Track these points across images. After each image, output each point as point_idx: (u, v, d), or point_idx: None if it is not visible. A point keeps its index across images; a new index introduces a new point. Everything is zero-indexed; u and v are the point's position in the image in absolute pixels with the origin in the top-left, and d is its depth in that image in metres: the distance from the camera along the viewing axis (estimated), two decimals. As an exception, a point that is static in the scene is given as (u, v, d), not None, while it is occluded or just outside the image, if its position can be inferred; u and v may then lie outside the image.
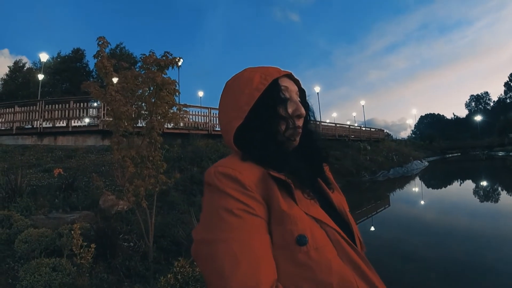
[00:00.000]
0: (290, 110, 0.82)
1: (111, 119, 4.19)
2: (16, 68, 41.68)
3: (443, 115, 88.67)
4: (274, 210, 0.70)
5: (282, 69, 0.87)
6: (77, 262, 3.27)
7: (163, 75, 4.08)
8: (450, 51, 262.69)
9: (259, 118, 0.80)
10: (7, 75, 41.22)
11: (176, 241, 4.73)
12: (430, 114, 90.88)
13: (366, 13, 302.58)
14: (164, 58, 3.69)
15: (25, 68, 41.86)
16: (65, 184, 6.59)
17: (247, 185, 0.70)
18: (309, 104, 0.95)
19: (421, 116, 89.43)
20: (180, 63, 3.94)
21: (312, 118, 0.94)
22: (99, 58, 3.69)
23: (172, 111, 4.51)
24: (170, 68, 3.97)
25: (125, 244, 4.57)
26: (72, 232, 3.43)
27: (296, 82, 0.90)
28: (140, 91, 4.18)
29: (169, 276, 2.98)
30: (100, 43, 3.64)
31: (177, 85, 4.32)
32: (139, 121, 4.54)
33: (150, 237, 4.22)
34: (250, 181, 0.71)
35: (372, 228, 8.12)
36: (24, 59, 46.07)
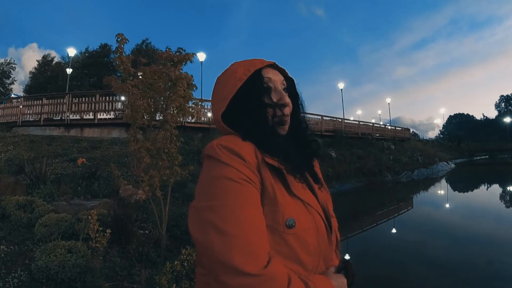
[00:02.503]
0: (274, 99, 0.87)
1: (129, 112, 4.41)
2: (45, 62, 43.12)
3: (472, 116, 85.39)
4: (267, 193, 0.75)
5: (266, 60, 0.91)
6: (92, 246, 3.47)
7: (181, 70, 4.27)
8: (480, 49, 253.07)
9: (245, 106, 0.85)
10: (35, 68, 42.81)
11: (189, 231, 4.90)
12: (459, 114, 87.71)
13: (394, 8, 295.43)
14: (177, 54, 3.84)
15: (53, 62, 43.30)
16: (88, 173, 6.93)
17: (247, 160, 0.75)
18: (299, 93, 0.99)
19: (450, 116, 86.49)
20: (193, 58, 4.08)
21: (301, 108, 0.98)
22: (118, 54, 3.89)
23: (188, 105, 4.69)
24: (186, 63, 4.16)
25: (141, 231, 4.78)
26: (89, 217, 3.63)
27: (282, 72, 0.94)
28: (156, 85, 4.36)
29: (175, 262, 3.13)
30: (119, 40, 3.85)
31: (193, 80, 4.48)
32: (157, 114, 4.74)
33: (163, 225, 4.42)
34: (249, 157, 0.76)
35: (394, 230, 8.06)
36: (53, 53, 47.81)
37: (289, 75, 0.97)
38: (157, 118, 4.71)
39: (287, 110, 0.88)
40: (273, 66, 0.92)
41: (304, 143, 0.95)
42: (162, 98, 4.45)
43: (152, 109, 4.48)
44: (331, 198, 0.99)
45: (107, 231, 3.62)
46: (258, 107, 0.85)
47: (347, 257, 6.07)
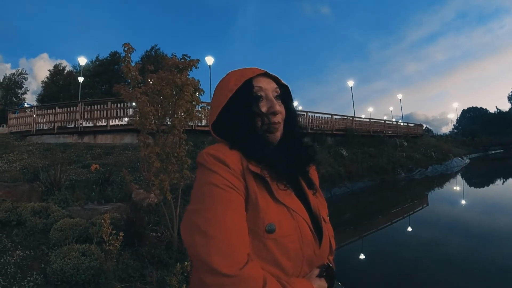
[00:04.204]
0: (264, 108, 0.89)
1: (138, 118, 4.53)
2: (57, 72, 44.35)
3: (485, 109, 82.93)
4: (250, 198, 0.78)
5: (259, 69, 0.93)
6: (105, 249, 3.58)
7: (187, 75, 4.38)
8: (490, 41, 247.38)
9: (235, 115, 0.88)
10: (47, 78, 44.02)
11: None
12: (472, 107, 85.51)
13: (401, 2, 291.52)
14: (183, 60, 3.95)
15: (65, 72, 44.44)
16: (102, 178, 7.10)
17: (231, 167, 0.79)
18: (292, 99, 1.01)
19: (463, 110, 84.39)
20: (198, 64, 4.17)
21: (293, 115, 0.99)
22: (125, 63, 4.02)
23: (196, 109, 4.80)
24: (191, 69, 4.26)
25: (153, 234, 4.89)
26: (103, 221, 3.74)
27: (276, 79, 0.96)
28: (164, 91, 4.48)
29: (185, 263, 3.22)
30: (125, 49, 3.97)
31: (200, 85, 4.58)
32: (166, 119, 4.86)
33: (174, 228, 4.53)
34: (234, 165, 0.80)
35: (409, 229, 8.02)
36: (64, 63, 49.02)
37: (283, 82, 0.98)
38: (166, 123, 4.84)
39: (278, 118, 0.90)
40: (265, 74, 0.94)
41: (298, 150, 0.97)
42: (170, 103, 4.57)
43: (160, 115, 4.61)
44: (326, 204, 1.01)
45: (120, 234, 3.72)
46: (246, 116, 0.88)
47: (362, 256, 6.09)
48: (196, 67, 4.09)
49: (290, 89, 1.01)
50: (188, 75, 4.36)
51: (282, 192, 0.82)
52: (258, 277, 0.69)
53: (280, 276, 0.75)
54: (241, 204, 0.77)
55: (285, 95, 0.97)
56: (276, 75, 0.96)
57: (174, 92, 4.31)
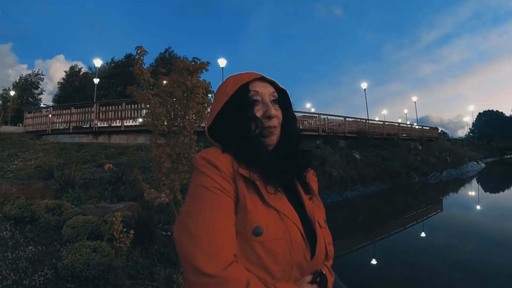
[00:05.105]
0: (260, 112, 0.91)
1: (150, 119, 4.63)
2: (72, 73, 45.66)
3: (501, 112, 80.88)
4: (240, 201, 0.80)
5: (256, 74, 0.95)
6: (116, 246, 3.68)
7: (198, 78, 4.45)
8: (506, 42, 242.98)
9: (229, 119, 0.90)
10: (63, 79, 45.32)
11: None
12: (488, 111, 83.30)
13: (415, 3, 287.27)
14: (193, 63, 4.03)
15: (81, 73, 45.60)
16: (115, 177, 7.27)
17: (222, 170, 0.82)
18: (291, 104, 1.02)
19: (479, 113, 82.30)
20: (208, 66, 4.25)
21: (291, 119, 1.00)
22: (138, 65, 4.11)
23: (207, 111, 4.86)
24: (202, 72, 4.34)
25: (163, 232, 4.98)
26: (114, 219, 3.84)
27: (273, 84, 0.97)
28: (176, 93, 4.57)
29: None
30: (138, 52, 4.07)
31: (211, 87, 4.65)
32: (178, 120, 4.94)
33: (184, 227, 4.59)
34: (225, 168, 0.82)
35: (423, 234, 7.89)
36: (80, 65, 50.31)
37: (281, 86, 0.99)
38: (177, 125, 4.92)
39: (273, 122, 0.91)
40: (262, 79, 0.95)
41: (294, 154, 0.97)
42: (180, 105, 4.65)
43: (171, 116, 4.69)
44: (323, 209, 1.01)
45: (130, 232, 3.81)
46: (239, 120, 0.90)
47: (374, 261, 6.04)
48: (206, 70, 4.16)
49: (288, 93, 1.02)
50: (199, 77, 4.44)
51: (272, 195, 0.83)
52: (241, 279, 0.70)
53: (267, 279, 0.76)
54: (230, 207, 0.79)
55: (283, 100, 0.99)
56: (273, 80, 0.98)
57: (185, 94, 4.39)
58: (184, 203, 0.82)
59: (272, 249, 0.77)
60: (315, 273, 0.86)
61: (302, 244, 0.82)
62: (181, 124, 4.57)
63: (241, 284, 0.69)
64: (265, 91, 0.93)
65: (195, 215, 0.76)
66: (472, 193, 14.64)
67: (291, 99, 1.03)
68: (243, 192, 0.81)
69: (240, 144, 0.87)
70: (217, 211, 0.76)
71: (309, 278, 0.84)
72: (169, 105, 4.58)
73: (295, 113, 1.06)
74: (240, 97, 0.91)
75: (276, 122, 0.92)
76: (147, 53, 4.10)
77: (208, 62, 4.10)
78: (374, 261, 6.00)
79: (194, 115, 4.62)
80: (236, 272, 0.70)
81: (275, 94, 0.95)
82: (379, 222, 9.46)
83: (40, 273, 3.41)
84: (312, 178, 1.04)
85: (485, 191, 15.43)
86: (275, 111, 0.92)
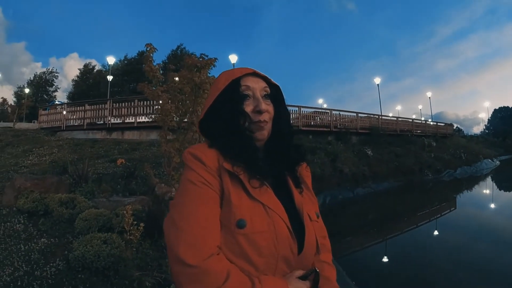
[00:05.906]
0: (250, 106, 0.91)
1: (159, 115, 4.72)
2: (86, 70, 46.52)
3: (517, 109, 78.76)
4: (225, 195, 0.82)
5: (248, 69, 0.95)
6: (126, 238, 3.78)
7: (207, 74, 4.51)
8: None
9: (219, 114, 0.92)
10: (78, 76, 46.21)
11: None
12: (504, 107, 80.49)
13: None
14: (201, 59, 4.09)
15: (94, 70, 46.44)
16: (127, 172, 7.42)
17: (207, 165, 0.84)
18: (284, 99, 1.02)
19: (495, 110, 79.65)
20: (215, 62, 4.31)
21: (283, 114, 1.00)
22: (147, 62, 4.20)
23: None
24: (210, 68, 4.40)
25: (173, 226, 5.06)
26: (125, 212, 3.93)
27: (266, 79, 0.97)
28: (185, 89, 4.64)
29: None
30: (148, 49, 4.16)
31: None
32: (187, 116, 5.01)
33: (193, 221, 4.66)
34: (211, 163, 0.84)
35: (436, 232, 7.82)
36: (94, 62, 50.83)
37: (273, 81, 0.99)
38: (186, 120, 5.00)
39: (264, 117, 0.91)
40: (254, 74, 0.95)
41: (286, 149, 0.98)
42: (189, 101, 4.72)
43: (181, 112, 4.77)
44: (316, 203, 1.02)
45: (140, 224, 3.89)
46: (228, 114, 0.91)
47: (385, 259, 6.02)
48: (214, 66, 4.22)
49: (281, 88, 1.01)
50: (209, 73, 4.49)
51: (257, 189, 0.84)
52: (220, 270, 0.72)
53: (251, 271, 0.77)
54: (214, 200, 0.81)
55: (275, 95, 0.99)
56: (265, 75, 0.98)
57: (193, 90, 4.46)
58: (174, 197, 0.85)
59: (256, 241, 0.78)
60: (309, 270, 0.86)
61: (289, 237, 0.83)
62: (190, 120, 4.66)
63: (221, 274, 0.71)
64: (257, 86, 0.94)
65: (180, 208, 0.79)
66: (486, 191, 14.38)
67: (284, 95, 1.03)
68: (228, 186, 0.83)
69: (228, 139, 0.88)
70: (201, 204, 0.79)
71: (298, 273, 0.84)
72: (178, 102, 4.67)
73: (287, 108, 1.06)
74: (232, 92, 0.92)
75: (267, 117, 0.92)
76: (157, 50, 4.18)
77: (215, 58, 4.16)
78: (385, 259, 5.98)
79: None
80: (217, 263, 0.73)
81: (267, 89, 0.96)
82: (390, 219, 9.40)
83: (51, 264, 3.49)
84: (305, 172, 1.04)
85: (500, 190, 15.15)
86: (266, 105, 0.93)
